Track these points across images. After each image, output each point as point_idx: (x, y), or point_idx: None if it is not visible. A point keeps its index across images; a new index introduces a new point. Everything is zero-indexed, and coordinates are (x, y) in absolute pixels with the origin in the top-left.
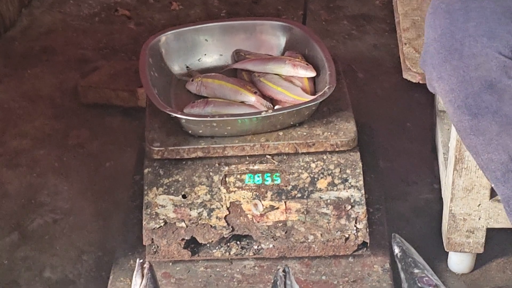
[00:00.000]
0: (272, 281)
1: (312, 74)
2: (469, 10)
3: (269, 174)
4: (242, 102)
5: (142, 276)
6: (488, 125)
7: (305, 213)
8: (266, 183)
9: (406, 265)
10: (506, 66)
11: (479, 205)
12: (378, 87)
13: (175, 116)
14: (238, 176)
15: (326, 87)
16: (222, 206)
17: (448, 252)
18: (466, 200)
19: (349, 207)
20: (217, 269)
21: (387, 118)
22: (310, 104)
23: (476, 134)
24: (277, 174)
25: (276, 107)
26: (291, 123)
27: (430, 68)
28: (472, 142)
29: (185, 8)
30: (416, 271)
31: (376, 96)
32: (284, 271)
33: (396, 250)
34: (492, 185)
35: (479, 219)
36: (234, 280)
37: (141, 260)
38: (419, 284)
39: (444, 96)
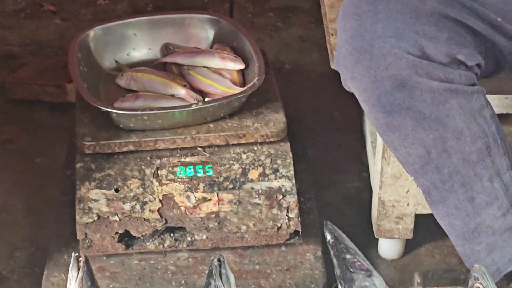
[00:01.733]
0: (207, 271)
1: (241, 66)
2: (377, 12)
3: (200, 166)
4: (172, 95)
5: (78, 269)
6: (402, 121)
7: (237, 203)
8: (198, 175)
9: (338, 251)
10: (415, 65)
11: (407, 191)
12: (306, 78)
13: (106, 110)
14: (170, 168)
15: (255, 79)
16: (155, 199)
17: (378, 239)
18: (395, 187)
19: (281, 197)
20: (151, 262)
21: (315, 109)
22: (239, 96)
23: (392, 130)
24: (209, 166)
25: (206, 99)
26: (222, 115)
27: (343, 69)
28: (389, 138)
29: (111, 2)
30: (348, 256)
31: (303, 87)
32: (219, 260)
33: (328, 237)
34: (412, 178)
35: (408, 205)
36: (169, 272)
37: (77, 254)
38: (351, 269)
39: (359, 95)
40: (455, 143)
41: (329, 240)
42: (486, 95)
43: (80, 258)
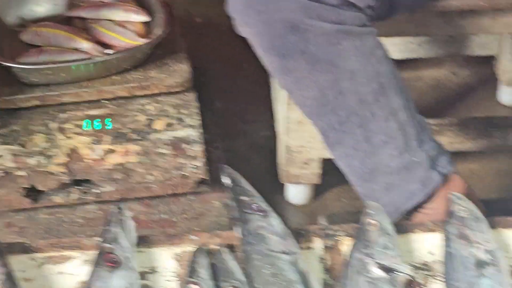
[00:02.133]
0: (107, 219)
1: (144, 18)
2: None
3: (106, 119)
4: (76, 49)
5: None
6: (296, 64)
7: (144, 154)
8: (104, 127)
9: (236, 194)
10: (306, 7)
11: (313, 137)
12: (216, 30)
13: (9, 66)
14: (75, 122)
15: (159, 30)
16: (61, 152)
17: (286, 185)
18: (300, 133)
19: (187, 145)
20: (59, 215)
21: (224, 60)
22: (143, 47)
23: (287, 73)
24: (115, 118)
25: (109, 52)
26: (126, 67)
27: (235, 14)
28: (285, 81)
29: None
30: (245, 198)
31: (214, 40)
32: (118, 207)
33: (226, 180)
34: (310, 121)
35: (314, 150)
36: (76, 224)
37: None
38: (247, 211)
39: (252, 39)
40: (349, 84)
41: (227, 183)
42: (389, 39)
43: None
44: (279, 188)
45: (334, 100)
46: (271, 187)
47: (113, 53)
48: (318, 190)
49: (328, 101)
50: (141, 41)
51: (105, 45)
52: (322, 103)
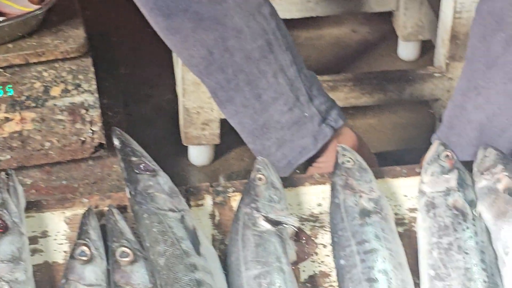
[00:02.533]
0: None
1: None
2: None
3: (1, 87)
4: None
5: None
6: (181, 23)
7: (41, 121)
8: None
9: (125, 154)
10: None
11: (210, 97)
12: None
13: None
14: None
15: None
16: None
17: (188, 147)
18: (197, 94)
19: (84, 111)
20: None
21: (128, 27)
22: (35, 13)
23: (173, 33)
24: (10, 86)
25: (2, 19)
26: (20, 34)
27: None
28: (171, 41)
29: None
30: (134, 159)
31: (115, 5)
32: (7, 173)
33: (116, 142)
34: (200, 80)
35: (212, 111)
36: None
37: None
38: (136, 171)
39: (143, 4)
40: (236, 42)
41: (116, 145)
42: None
43: None
44: (184, 150)
45: (220, 58)
46: (175, 149)
47: (6, 20)
48: (220, 151)
49: (214, 60)
50: (34, 7)
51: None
52: (209, 62)
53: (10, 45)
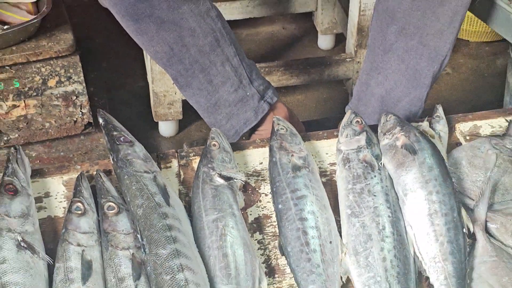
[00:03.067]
0: (7, 158)
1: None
2: None
3: (1, 84)
4: None
5: None
6: (147, 26)
7: (41, 107)
8: (7, 87)
9: (108, 130)
10: None
11: (173, 83)
12: (100, 7)
13: None
14: None
15: (44, 7)
16: None
17: (158, 122)
18: (163, 81)
19: (75, 97)
20: None
21: (106, 30)
22: (33, 22)
23: (141, 34)
24: (15, 80)
25: (6, 27)
26: (21, 38)
27: None
28: (140, 40)
29: None
30: (115, 133)
31: (97, 13)
32: (15, 148)
33: (100, 120)
34: (164, 70)
35: (175, 94)
36: None
37: None
38: (117, 143)
39: (112, 9)
40: (191, 39)
41: (101, 123)
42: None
43: None
44: (155, 125)
45: (179, 52)
46: (148, 124)
47: (9, 28)
48: (182, 124)
49: (174, 54)
50: (31, 17)
51: (3, 23)
52: (170, 55)
53: (14, 48)
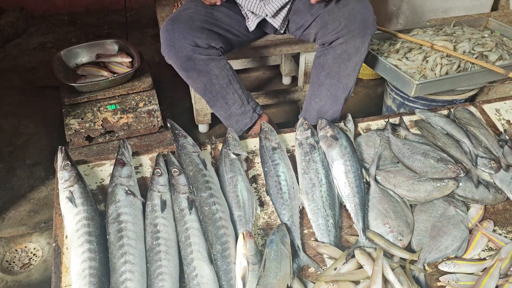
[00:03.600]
0: (118, 145)
1: (129, 59)
2: (174, 28)
3: (114, 106)
4: (101, 75)
5: (61, 153)
6: (192, 74)
7: (135, 118)
8: (116, 107)
9: (173, 129)
10: (193, 49)
11: (206, 104)
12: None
13: (73, 85)
14: (104, 106)
15: (136, 64)
16: (99, 120)
17: (198, 125)
18: (200, 103)
19: (153, 112)
20: (101, 147)
21: (171, 75)
22: (129, 72)
23: (189, 78)
24: (118, 104)
25: (115, 75)
26: (123, 81)
27: (165, 55)
28: (189, 81)
29: (55, 45)
30: (176, 131)
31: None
32: (122, 140)
33: (168, 124)
34: (200, 96)
35: (207, 109)
36: (107, 151)
37: (60, 146)
38: (178, 136)
39: (173, 65)
40: (215, 81)
41: (169, 126)
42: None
43: (62, 148)
44: (196, 126)
45: (209, 87)
46: (192, 126)
47: (117, 76)
48: (211, 126)
49: (206, 88)
50: (129, 70)
51: (114, 73)
52: (204, 89)
53: (120, 86)
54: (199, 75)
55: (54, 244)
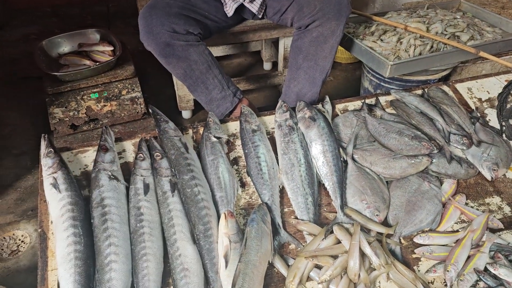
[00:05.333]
0: (101, 131)
1: (111, 48)
2: (152, 14)
3: (97, 94)
4: (84, 64)
5: (45, 141)
6: (171, 60)
7: (119, 105)
8: (101, 95)
9: (155, 115)
10: (171, 36)
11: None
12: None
13: (55, 74)
14: (88, 95)
15: (118, 52)
16: (83, 108)
17: (181, 111)
18: (183, 89)
19: (136, 99)
20: (85, 134)
21: (153, 63)
22: (112, 60)
23: (169, 64)
24: (105, 91)
25: (98, 63)
26: (106, 69)
27: (144, 41)
28: (168, 67)
29: (39, 34)
30: (158, 117)
31: (146, 54)
32: (105, 127)
33: (151, 110)
34: (182, 83)
35: (189, 96)
36: (92, 138)
37: (43, 134)
38: (160, 122)
39: (153, 52)
40: (195, 66)
41: (151, 112)
42: (218, 47)
43: (45, 136)
44: (179, 113)
45: (189, 73)
46: (176, 112)
47: (99, 64)
48: (194, 112)
49: (186, 74)
50: (111, 58)
51: (96, 61)
52: (184, 75)
53: (103, 74)
54: (178, 61)
55: (39, 230)
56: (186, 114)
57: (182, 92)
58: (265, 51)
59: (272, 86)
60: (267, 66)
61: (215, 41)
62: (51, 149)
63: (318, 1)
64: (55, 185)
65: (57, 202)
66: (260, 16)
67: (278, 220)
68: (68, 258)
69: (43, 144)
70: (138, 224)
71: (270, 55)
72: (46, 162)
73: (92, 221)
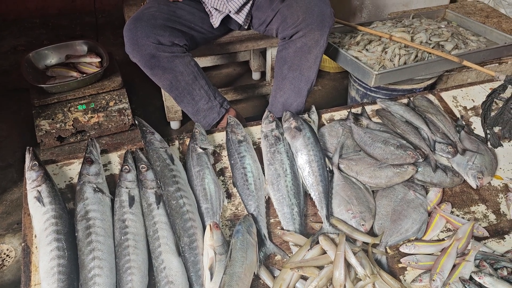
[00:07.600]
0: (87, 143)
1: (98, 59)
2: (137, 27)
3: (91, 104)
4: (71, 76)
5: (29, 154)
6: (157, 71)
7: (106, 117)
8: (87, 107)
9: (141, 126)
10: (157, 47)
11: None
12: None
13: (42, 86)
14: (75, 106)
15: (105, 64)
16: (70, 120)
17: (169, 122)
18: (170, 100)
19: (124, 111)
20: (72, 146)
21: (139, 74)
22: (99, 71)
23: (154, 75)
24: (92, 103)
25: (84, 75)
26: (93, 81)
27: (129, 54)
28: (154, 79)
29: (28, 46)
30: (144, 128)
31: (134, 67)
32: (91, 138)
33: (137, 122)
34: (169, 94)
35: (177, 107)
36: (79, 150)
37: (28, 147)
38: (146, 133)
39: (138, 63)
40: (181, 77)
41: (137, 124)
42: (205, 58)
43: (30, 148)
44: (167, 124)
45: (175, 84)
46: (164, 123)
47: (86, 76)
48: (182, 123)
49: (172, 85)
50: (98, 70)
51: (83, 73)
52: (170, 86)
53: (90, 86)
54: (164, 73)
55: (23, 244)
56: (174, 125)
57: (170, 103)
58: (254, 61)
59: (261, 96)
60: (256, 76)
61: (202, 52)
62: (36, 162)
63: (301, 12)
64: (39, 199)
65: (41, 215)
66: (246, 27)
67: (264, 231)
68: (51, 273)
69: (27, 157)
70: (122, 237)
71: (259, 65)
72: (30, 175)
73: (76, 234)
